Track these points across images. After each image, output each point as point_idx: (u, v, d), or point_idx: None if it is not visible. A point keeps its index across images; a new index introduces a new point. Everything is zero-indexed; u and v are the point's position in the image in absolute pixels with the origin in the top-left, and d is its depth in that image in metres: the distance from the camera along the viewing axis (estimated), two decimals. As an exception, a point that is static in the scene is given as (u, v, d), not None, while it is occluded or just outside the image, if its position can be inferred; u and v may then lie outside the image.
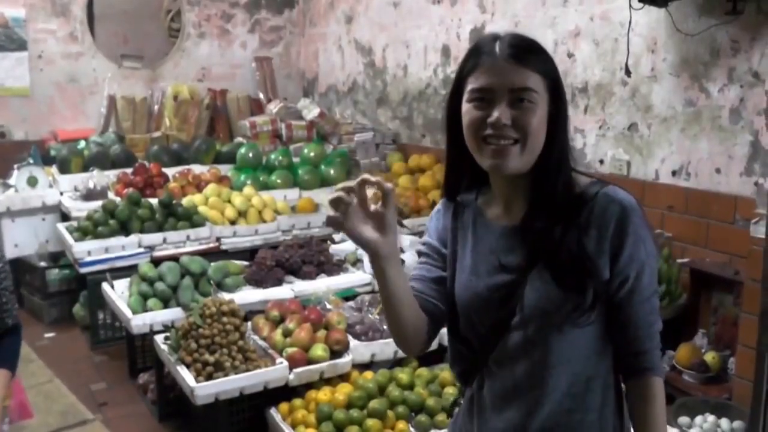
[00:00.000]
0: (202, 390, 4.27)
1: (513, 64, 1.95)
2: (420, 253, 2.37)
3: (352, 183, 1.92)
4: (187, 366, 4.42)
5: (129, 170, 7.57)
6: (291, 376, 4.47)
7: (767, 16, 4.16)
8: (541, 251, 2.01)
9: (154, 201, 6.82)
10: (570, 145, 2.08)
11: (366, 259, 5.81)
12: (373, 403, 4.25)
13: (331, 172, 8.12)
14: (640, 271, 1.99)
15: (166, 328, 4.99)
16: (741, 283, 4.39)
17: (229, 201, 7.11)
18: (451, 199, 2.27)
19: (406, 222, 6.57)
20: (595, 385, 2.06)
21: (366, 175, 1.94)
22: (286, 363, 4.47)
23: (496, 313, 2.07)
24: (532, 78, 1.96)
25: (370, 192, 1.95)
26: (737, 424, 4.08)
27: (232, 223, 6.91)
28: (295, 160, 8.28)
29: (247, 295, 5.40)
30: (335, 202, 1.91)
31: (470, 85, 2.00)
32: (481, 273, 2.12)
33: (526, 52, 1.98)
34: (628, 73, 5.13)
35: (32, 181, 7.23)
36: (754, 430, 3.56)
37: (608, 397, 2.09)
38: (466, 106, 2.02)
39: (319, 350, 4.55)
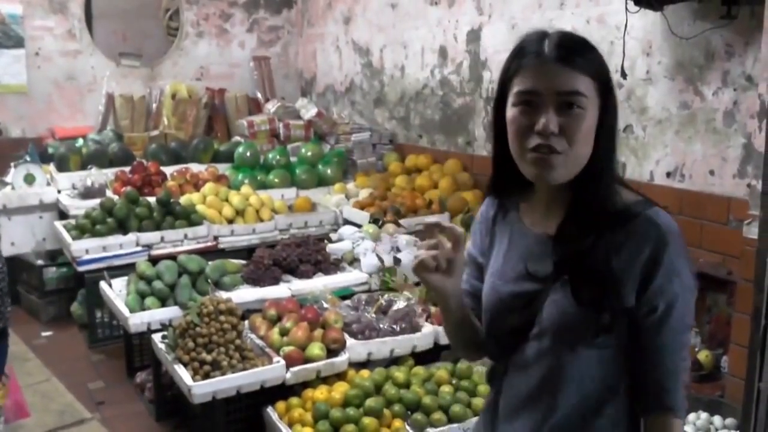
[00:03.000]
0: (200, 389, 4.28)
1: (561, 66, 1.86)
2: (466, 262, 2.20)
3: (432, 240, 1.99)
4: (185, 365, 4.44)
5: (127, 168, 7.58)
6: (288, 375, 4.49)
7: (761, 21, 4.19)
8: (566, 263, 1.95)
9: (152, 199, 6.85)
10: (616, 158, 2.01)
11: (363, 258, 5.84)
12: (370, 402, 4.27)
13: (329, 171, 8.15)
14: (670, 304, 1.88)
15: (164, 326, 5.00)
16: (734, 282, 4.44)
17: (227, 200, 7.13)
18: (496, 198, 2.23)
19: (402, 222, 6.59)
20: (608, 411, 1.97)
21: (433, 220, 2.03)
22: (283, 362, 4.49)
23: (516, 320, 2.03)
24: (582, 81, 1.86)
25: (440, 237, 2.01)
26: (729, 421, 4.12)
27: (230, 222, 6.93)
28: (293, 159, 8.31)
29: (244, 294, 5.41)
30: (419, 267, 1.98)
31: (515, 87, 1.91)
32: (508, 278, 2.08)
33: (575, 52, 1.87)
34: (623, 75, 5.15)
35: (29, 179, 7.24)
36: (747, 427, 3.59)
37: (621, 426, 1.99)
38: (511, 111, 1.93)
39: (316, 349, 4.57)
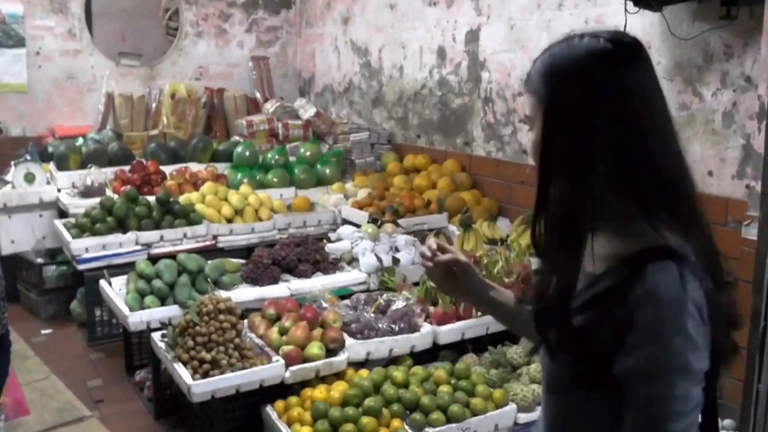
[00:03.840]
0: (199, 388, 4.29)
1: (525, 91, 1.90)
2: None
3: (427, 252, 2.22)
4: (184, 363, 4.45)
5: (126, 168, 7.60)
6: (287, 374, 4.50)
7: (760, 22, 4.20)
8: (540, 314, 1.89)
9: (151, 198, 6.87)
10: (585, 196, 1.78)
11: (362, 258, 5.85)
12: (369, 401, 4.27)
13: (327, 171, 8.17)
14: (637, 376, 1.69)
15: (163, 325, 5.01)
16: (732, 284, 4.44)
17: (226, 199, 7.15)
18: None
19: (401, 222, 6.60)
20: None
21: (431, 242, 2.20)
22: (282, 361, 4.50)
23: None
24: (533, 104, 1.85)
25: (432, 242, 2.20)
26: (728, 422, 4.13)
27: (229, 221, 6.94)
28: (292, 159, 8.32)
29: (243, 293, 5.42)
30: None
31: None
32: None
33: (531, 76, 1.86)
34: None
35: (29, 178, 7.25)
36: (745, 428, 3.61)
37: None
38: None
39: (314, 348, 4.58)
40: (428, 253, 2.24)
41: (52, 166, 7.73)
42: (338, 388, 4.45)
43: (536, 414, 4.32)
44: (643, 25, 5.26)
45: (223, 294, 5.16)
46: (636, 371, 1.68)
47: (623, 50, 1.79)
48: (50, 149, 8.04)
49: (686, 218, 1.80)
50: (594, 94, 1.75)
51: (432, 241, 2.25)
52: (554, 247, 1.82)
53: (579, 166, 1.76)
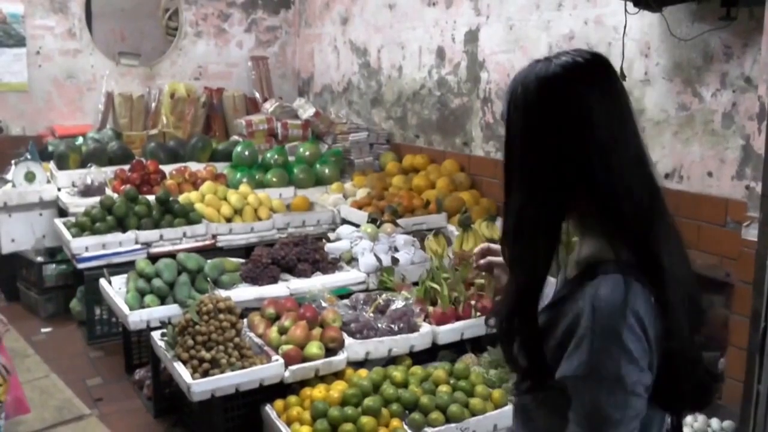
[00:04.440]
0: (199, 387, 4.29)
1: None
2: None
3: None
4: (184, 362, 4.45)
5: (126, 167, 7.61)
6: (286, 374, 4.50)
7: (760, 22, 4.21)
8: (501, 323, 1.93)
9: (151, 198, 6.89)
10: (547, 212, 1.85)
11: (361, 258, 5.86)
12: (368, 401, 4.27)
13: (326, 171, 8.17)
14: (575, 382, 1.74)
15: (163, 324, 5.02)
16: (732, 284, 4.45)
17: (225, 199, 7.16)
18: None
19: (400, 221, 6.60)
20: None
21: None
22: (281, 360, 4.50)
23: None
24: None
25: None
26: (727, 423, 4.14)
27: (228, 220, 6.95)
28: (291, 158, 8.33)
29: (242, 293, 5.42)
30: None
31: None
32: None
33: (506, 104, 1.92)
34: (622, 76, 5.17)
35: (30, 177, 7.26)
36: (745, 429, 3.62)
37: None
38: None
39: (314, 348, 4.58)
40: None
41: (52, 165, 7.74)
42: (337, 388, 4.45)
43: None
44: (641, 26, 5.27)
45: (222, 293, 5.16)
46: (574, 377, 1.72)
47: (572, 71, 1.83)
48: (50, 148, 8.06)
49: (643, 235, 1.81)
50: (536, 115, 1.83)
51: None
52: (516, 258, 1.90)
53: (530, 182, 1.84)
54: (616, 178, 1.79)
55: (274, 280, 5.65)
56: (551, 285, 2.02)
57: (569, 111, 1.79)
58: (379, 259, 5.79)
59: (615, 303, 1.69)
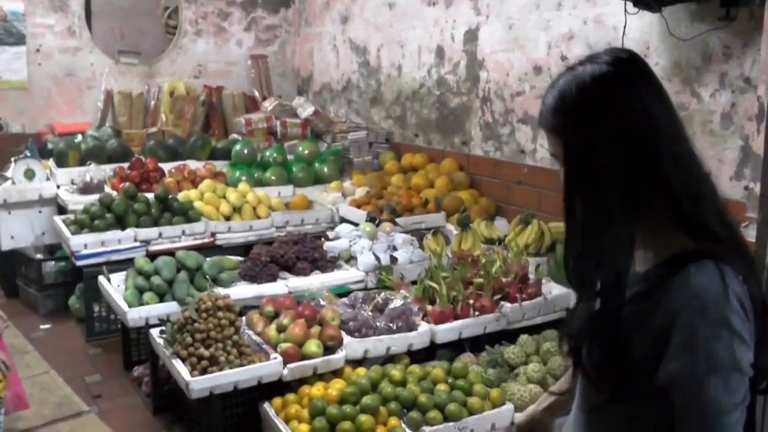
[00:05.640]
0: (197, 384, 4.30)
1: (542, 128, 1.93)
2: None
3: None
4: (183, 360, 4.45)
5: (125, 165, 7.61)
6: (285, 372, 4.50)
7: (759, 23, 4.21)
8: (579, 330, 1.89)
9: (150, 195, 6.89)
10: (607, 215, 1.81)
11: (360, 257, 5.86)
12: (366, 399, 4.27)
13: (325, 169, 8.19)
14: (694, 381, 1.68)
15: (162, 321, 5.02)
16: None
17: (224, 197, 7.16)
18: None
19: (399, 220, 6.61)
20: None
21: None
22: (280, 358, 4.50)
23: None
24: (551, 140, 1.89)
25: None
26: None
27: (227, 218, 6.96)
28: (290, 157, 8.35)
29: (241, 291, 5.43)
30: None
31: None
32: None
33: (543, 113, 1.90)
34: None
35: (29, 174, 7.26)
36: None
37: None
38: None
39: (312, 346, 4.58)
40: None
41: (51, 162, 7.74)
42: (336, 386, 4.45)
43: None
44: (641, 26, 5.27)
45: (221, 291, 5.16)
46: (689, 372, 1.68)
47: (625, 69, 1.84)
48: (50, 146, 8.07)
49: (714, 222, 1.82)
50: (601, 117, 1.79)
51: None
52: (592, 265, 1.83)
53: (599, 189, 1.79)
54: (683, 169, 1.81)
55: (272, 278, 5.65)
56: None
57: (635, 109, 1.79)
58: (377, 258, 5.80)
59: (716, 289, 1.68)
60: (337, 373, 4.68)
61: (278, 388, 4.55)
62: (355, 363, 4.76)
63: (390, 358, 4.86)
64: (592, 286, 1.83)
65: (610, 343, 1.78)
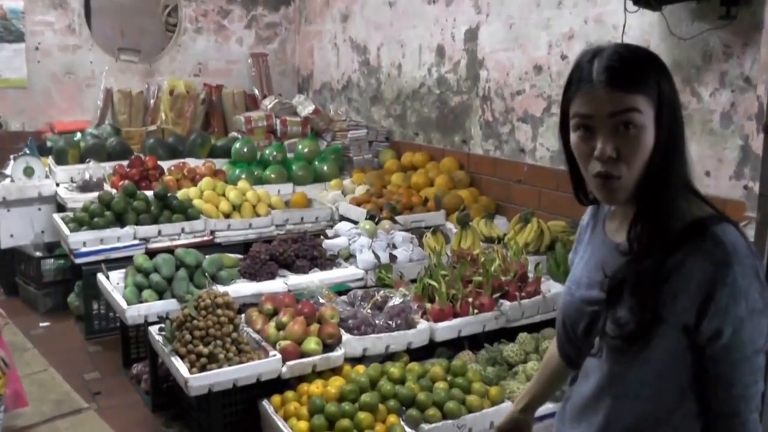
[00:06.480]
0: (196, 381, 4.29)
1: (610, 90, 1.85)
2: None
3: None
4: (182, 357, 4.44)
5: (125, 162, 7.61)
6: (284, 369, 4.50)
7: (761, 22, 4.22)
8: (622, 280, 1.93)
9: (149, 193, 6.89)
10: (686, 170, 1.97)
11: (359, 255, 5.86)
12: (365, 397, 4.27)
13: (325, 168, 8.18)
14: (737, 326, 1.81)
15: (161, 319, 5.02)
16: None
17: (224, 195, 7.16)
18: (586, 204, 2.20)
19: (398, 219, 6.61)
20: (665, 430, 1.94)
21: None
22: (279, 356, 4.49)
23: (585, 327, 2.06)
24: (633, 99, 1.85)
25: None
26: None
27: (227, 216, 6.95)
28: (290, 155, 8.35)
29: (241, 288, 5.43)
30: None
31: (573, 109, 1.93)
32: (582, 284, 2.10)
33: (623, 73, 1.86)
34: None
35: (29, 172, 7.26)
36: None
37: None
38: (572, 135, 1.95)
39: (312, 344, 4.58)
40: None
41: (50, 160, 7.74)
42: (335, 384, 4.45)
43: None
44: (641, 24, 5.27)
45: (220, 289, 5.16)
46: (739, 322, 1.82)
47: None
48: (49, 144, 8.07)
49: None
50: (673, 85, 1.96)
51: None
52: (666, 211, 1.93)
53: (679, 144, 1.94)
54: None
55: (272, 276, 5.65)
56: None
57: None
58: (377, 256, 5.80)
59: (745, 245, 1.85)
60: (336, 371, 4.67)
61: (277, 385, 4.55)
62: (354, 361, 4.76)
63: (389, 356, 4.86)
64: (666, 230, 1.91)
65: (648, 294, 1.87)
